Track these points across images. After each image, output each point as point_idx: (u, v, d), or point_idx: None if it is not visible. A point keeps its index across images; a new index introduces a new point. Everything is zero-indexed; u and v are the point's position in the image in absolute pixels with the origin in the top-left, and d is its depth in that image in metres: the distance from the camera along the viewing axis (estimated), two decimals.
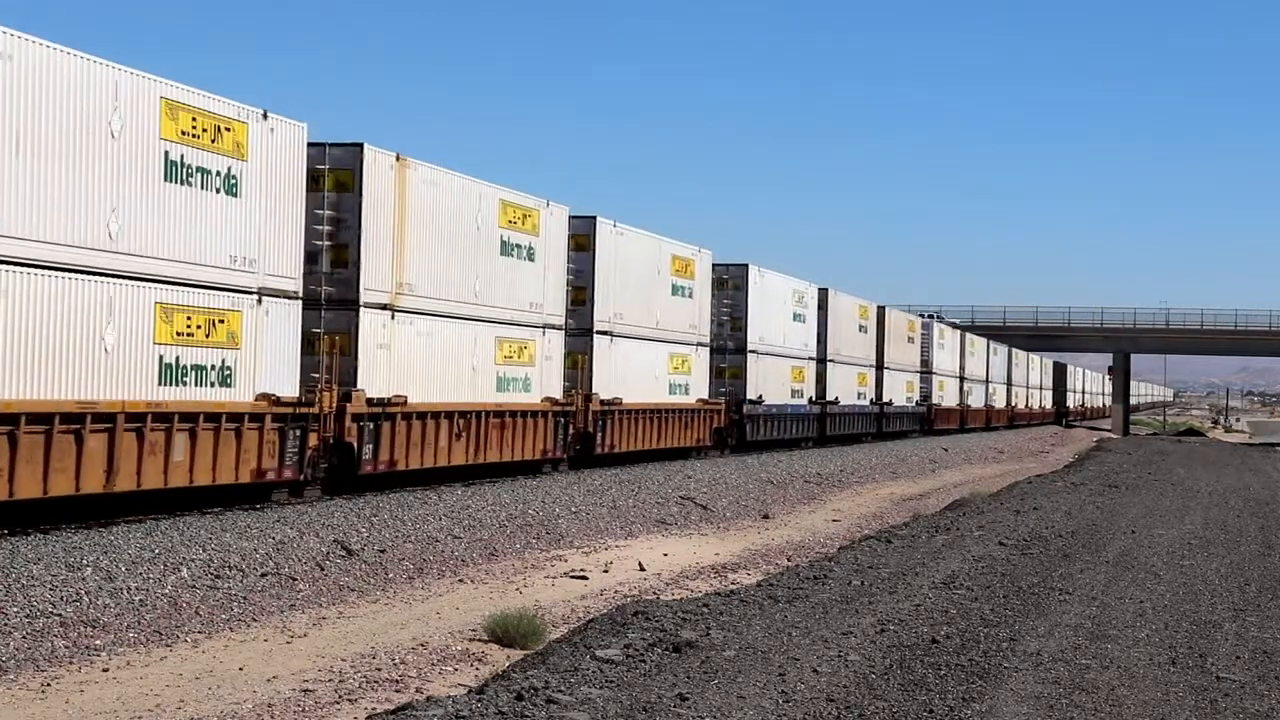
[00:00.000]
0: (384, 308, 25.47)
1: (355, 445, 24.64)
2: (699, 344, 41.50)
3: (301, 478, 23.31)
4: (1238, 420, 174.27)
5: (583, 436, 33.87)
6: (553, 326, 32.21)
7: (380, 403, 24.97)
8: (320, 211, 24.18)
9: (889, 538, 22.98)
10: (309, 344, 23.85)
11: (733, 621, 14.22)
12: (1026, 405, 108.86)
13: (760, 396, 46.17)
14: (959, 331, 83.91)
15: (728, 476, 35.31)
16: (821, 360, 54.09)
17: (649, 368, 37.88)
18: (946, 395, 78.06)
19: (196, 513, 21.65)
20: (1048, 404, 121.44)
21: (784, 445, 49.73)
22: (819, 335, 53.72)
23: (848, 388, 57.65)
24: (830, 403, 54.79)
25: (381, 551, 19.92)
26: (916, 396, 70.73)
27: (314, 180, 23.90)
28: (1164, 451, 67.07)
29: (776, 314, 48.38)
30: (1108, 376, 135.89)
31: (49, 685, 12.46)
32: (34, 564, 16.03)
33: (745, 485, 34.48)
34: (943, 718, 10.78)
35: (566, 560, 21.70)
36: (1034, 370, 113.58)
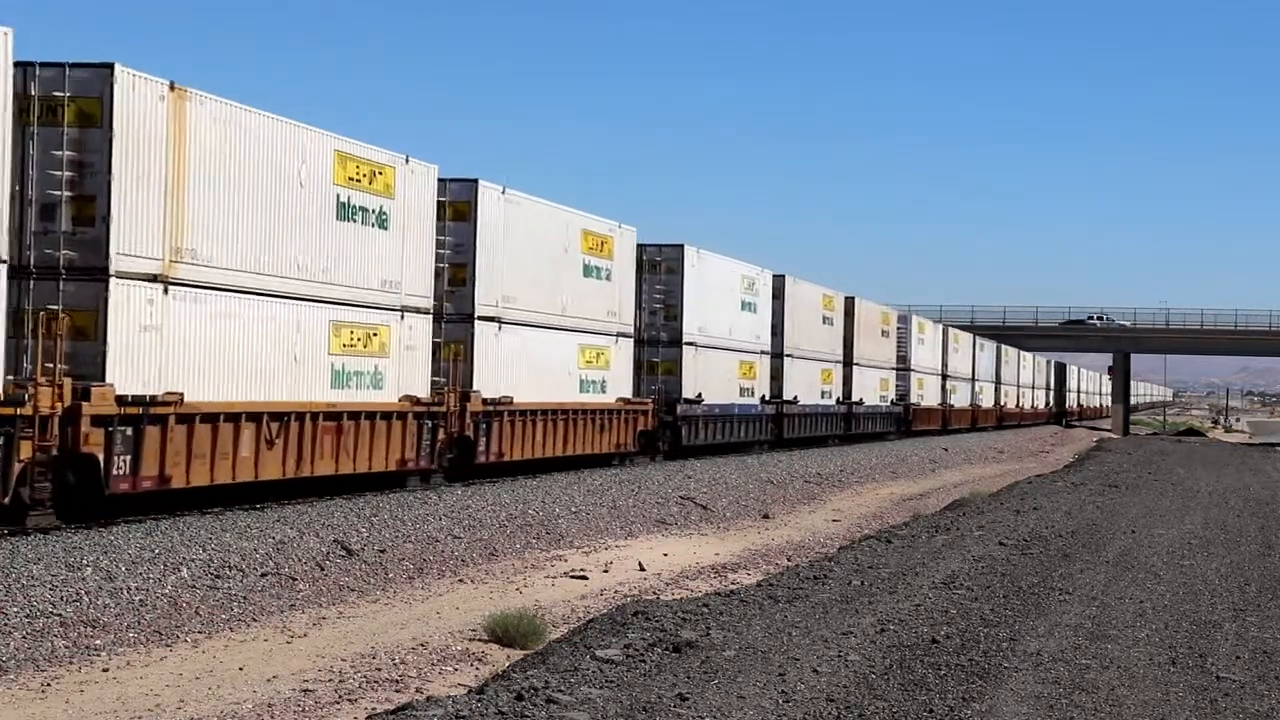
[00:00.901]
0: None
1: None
2: (620, 334, 36.16)
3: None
4: (1238, 420, 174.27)
5: (460, 442, 28.60)
6: (415, 310, 26.65)
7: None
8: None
9: (889, 538, 22.99)
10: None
11: (733, 621, 14.22)
12: (1017, 405, 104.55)
13: (699, 395, 41.18)
14: (940, 326, 79.43)
15: (727, 476, 35.33)
16: (777, 355, 49.11)
17: (553, 361, 32.52)
18: (927, 394, 73.62)
19: (196, 513, 21.66)
20: (1040, 404, 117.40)
21: (730, 450, 44.81)
22: (774, 327, 48.65)
23: (809, 385, 52.75)
24: (787, 402, 49.97)
25: (381, 551, 19.92)
26: (892, 395, 66.25)
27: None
28: (1164, 451, 67.08)
29: (721, 302, 43.28)
30: (1107, 376, 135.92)
31: (49, 685, 12.46)
32: (34, 564, 16.03)
33: (745, 485, 34.50)
34: (943, 718, 10.78)
35: (566, 560, 21.70)
36: (1025, 368, 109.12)
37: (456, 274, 28.44)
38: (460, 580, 19.33)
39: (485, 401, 29.07)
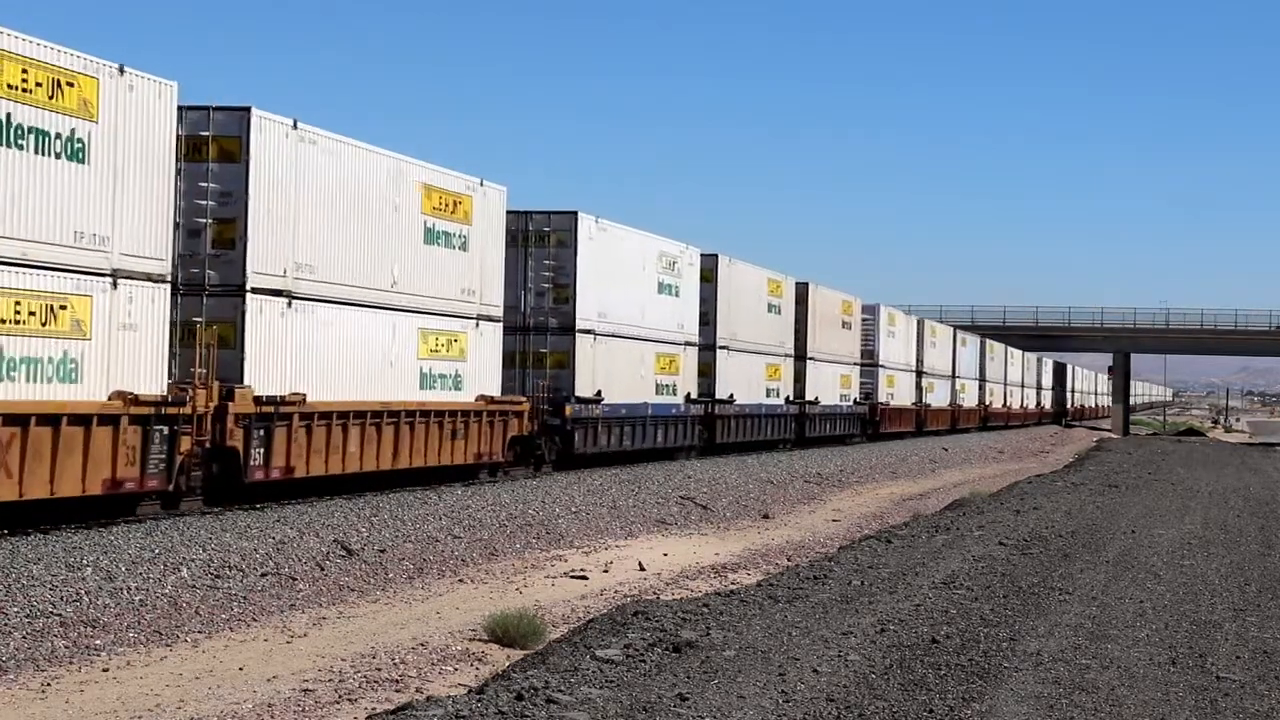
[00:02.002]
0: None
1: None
2: (482, 318, 29.59)
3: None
4: (1238, 420, 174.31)
5: (218, 455, 21.97)
6: (132, 276, 19.93)
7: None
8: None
9: (889, 538, 22.99)
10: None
11: (733, 621, 14.22)
12: (1005, 404, 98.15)
13: (599, 393, 34.80)
14: (914, 318, 72.57)
15: (727, 476, 35.34)
16: (707, 346, 42.75)
17: (376, 350, 25.77)
18: (898, 393, 66.84)
19: (196, 513, 21.68)
20: (1032, 403, 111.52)
21: (647, 457, 38.88)
22: (705, 314, 42.20)
23: (750, 383, 46.41)
24: (723, 401, 43.79)
25: (381, 551, 19.93)
26: (855, 394, 59.49)
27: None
28: (1164, 451, 67.08)
29: (631, 283, 36.68)
30: (1107, 376, 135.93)
31: (49, 685, 12.46)
32: (34, 564, 16.04)
33: (745, 485, 34.51)
34: (943, 718, 10.78)
35: (566, 560, 21.71)
36: (1014, 365, 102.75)
37: (221, 233, 22.46)
38: (460, 580, 19.34)
39: (260, 400, 22.59)
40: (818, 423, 53.88)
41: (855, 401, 59.51)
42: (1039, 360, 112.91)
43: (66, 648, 13.70)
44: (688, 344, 40.66)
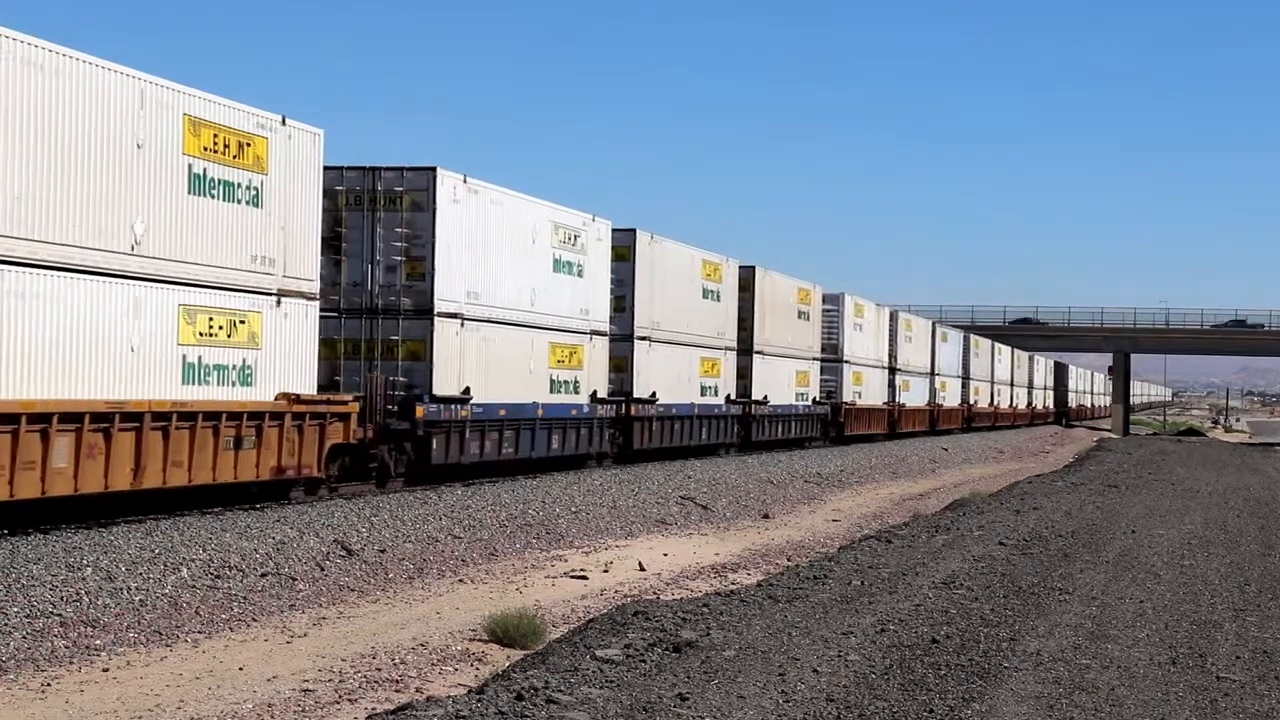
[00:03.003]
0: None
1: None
2: (287, 293, 23.25)
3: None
4: (1238, 420, 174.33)
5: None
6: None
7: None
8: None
9: (889, 538, 22.99)
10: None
11: (733, 621, 14.22)
12: (993, 403, 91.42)
13: (467, 390, 28.29)
14: (885, 310, 65.11)
15: (727, 476, 35.33)
16: (625, 337, 36.57)
17: (104, 332, 19.50)
18: (867, 391, 60.25)
19: (196, 512, 21.68)
20: (1023, 403, 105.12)
21: (536, 468, 32.61)
22: (620, 300, 36.24)
23: (680, 379, 39.84)
24: (641, 400, 37.09)
25: (381, 551, 19.93)
26: (815, 393, 53.09)
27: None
28: (1164, 451, 67.07)
29: (516, 258, 30.43)
30: (1107, 376, 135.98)
31: (49, 685, 12.47)
32: (34, 564, 16.04)
33: (745, 485, 34.50)
34: (943, 718, 10.78)
35: (566, 560, 21.71)
36: (1002, 362, 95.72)
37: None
38: (460, 580, 19.34)
39: None
40: (766, 425, 47.76)
41: (815, 401, 53.22)
42: (1030, 358, 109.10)
43: (66, 648, 13.71)
44: (595, 333, 34.31)
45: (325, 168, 24.73)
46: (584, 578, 20.03)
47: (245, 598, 16.52)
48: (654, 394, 37.87)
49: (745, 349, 45.78)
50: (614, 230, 35.80)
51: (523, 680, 11.20)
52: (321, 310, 24.73)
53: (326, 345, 25.62)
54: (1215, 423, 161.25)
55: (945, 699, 11.28)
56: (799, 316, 51.51)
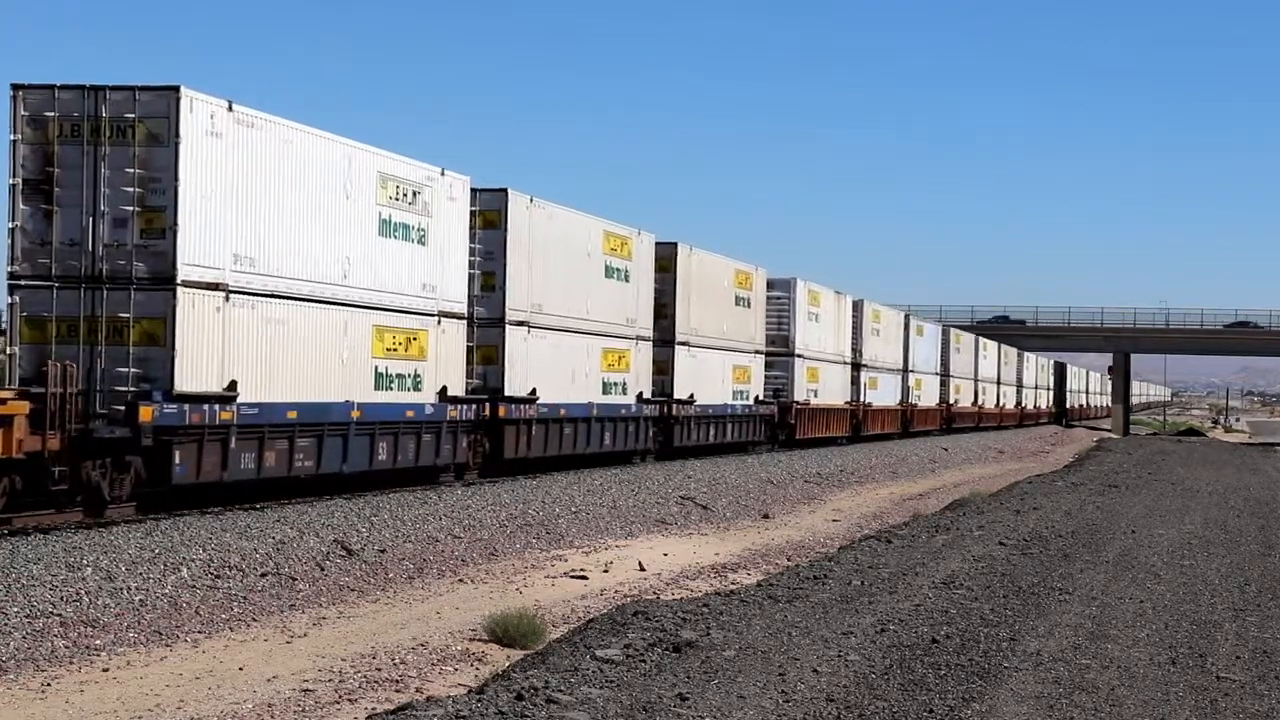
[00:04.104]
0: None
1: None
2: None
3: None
4: (1238, 420, 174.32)
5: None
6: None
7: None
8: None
9: (889, 537, 22.99)
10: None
11: (733, 621, 14.22)
12: (977, 403, 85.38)
13: (233, 385, 21.79)
14: (846, 298, 57.87)
15: (727, 476, 35.33)
16: (494, 322, 30.29)
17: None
18: (825, 389, 53.97)
19: (196, 512, 21.68)
20: (1010, 402, 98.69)
21: (345, 486, 25.90)
22: (488, 277, 30.20)
23: (576, 374, 33.74)
24: (516, 400, 30.82)
25: (381, 551, 19.93)
26: (757, 392, 47.13)
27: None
28: (1164, 451, 67.07)
29: (319, 217, 24.01)
30: (1107, 376, 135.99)
31: (49, 685, 12.47)
32: (34, 564, 16.04)
33: (745, 485, 34.50)
34: (943, 718, 10.78)
35: (566, 560, 21.71)
36: (988, 360, 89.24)
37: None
38: (460, 580, 19.35)
39: None
40: (692, 428, 41.39)
41: (758, 400, 47.28)
42: (1020, 355, 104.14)
43: (66, 648, 13.71)
44: (445, 315, 27.98)
45: (34, 87, 20.77)
46: (584, 578, 20.03)
47: (245, 598, 16.53)
48: (534, 391, 31.44)
49: (665, 339, 39.36)
50: (479, 191, 29.75)
51: (523, 680, 11.21)
52: (28, 279, 20.45)
53: (33, 325, 20.49)
54: (1215, 423, 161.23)
55: (945, 699, 11.28)
56: (737, 303, 45.35)
